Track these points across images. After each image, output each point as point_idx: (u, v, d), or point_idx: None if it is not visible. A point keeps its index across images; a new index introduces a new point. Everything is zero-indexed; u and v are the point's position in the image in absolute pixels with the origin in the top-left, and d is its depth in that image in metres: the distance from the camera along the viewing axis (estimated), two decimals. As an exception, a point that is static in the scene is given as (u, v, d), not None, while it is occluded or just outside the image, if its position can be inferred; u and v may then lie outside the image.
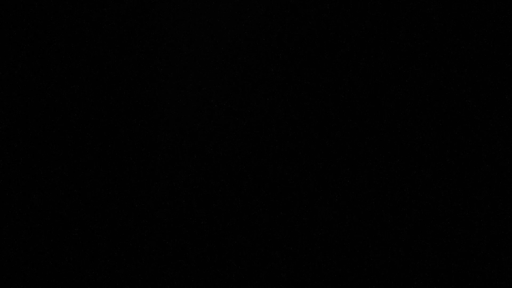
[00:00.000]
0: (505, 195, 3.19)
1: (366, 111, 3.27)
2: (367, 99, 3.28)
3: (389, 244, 3.21)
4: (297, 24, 3.31)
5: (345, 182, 3.25)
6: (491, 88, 3.24)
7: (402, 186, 3.24)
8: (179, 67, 3.31)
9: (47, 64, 3.30)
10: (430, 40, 3.27)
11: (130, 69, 3.31)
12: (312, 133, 3.28)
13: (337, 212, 3.25)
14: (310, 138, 3.28)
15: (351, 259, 3.22)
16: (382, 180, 3.24)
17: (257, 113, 3.30)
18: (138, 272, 3.23)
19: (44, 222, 3.24)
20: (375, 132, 3.26)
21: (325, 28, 3.30)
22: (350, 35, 3.29)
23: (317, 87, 3.30)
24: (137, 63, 3.31)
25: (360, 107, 3.28)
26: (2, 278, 3.21)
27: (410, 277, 3.20)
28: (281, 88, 3.30)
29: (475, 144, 3.23)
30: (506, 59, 3.24)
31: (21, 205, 3.25)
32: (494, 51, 3.25)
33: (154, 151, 3.28)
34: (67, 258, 3.23)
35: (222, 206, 3.27)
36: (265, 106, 3.30)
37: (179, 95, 3.30)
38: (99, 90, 3.30)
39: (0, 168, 3.26)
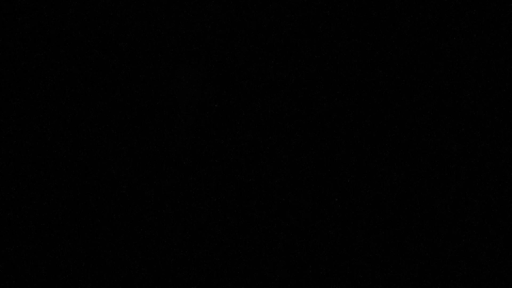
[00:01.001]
0: (505, 195, 3.20)
1: (366, 111, 3.28)
2: (366, 99, 3.28)
3: (389, 244, 3.22)
4: (297, 24, 3.32)
5: (344, 181, 3.26)
6: (491, 88, 3.25)
7: (401, 186, 3.25)
8: (180, 66, 3.32)
9: (45, 64, 3.31)
10: (430, 40, 3.28)
11: (132, 68, 3.32)
12: (311, 133, 3.29)
13: (336, 211, 3.25)
14: (310, 138, 3.29)
15: (351, 259, 3.22)
16: (381, 180, 3.25)
17: (257, 113, 3.30)
18: (138, 272, 3.24)
19: (43, 222, 3.25)
20: (374, 131, 3.27)
21: (324, 28, 3.31)
22: (349, 35, 3.30)
23: (316, 87, 3.30)
24: (140, 62, 3.32)
25: (359, 107, 3.28)
26: (2, 278, 3.21)
27: (410, 277, 3.21)
28: (281, 88, 3.31)
29: (474, 144, 3.24)
30: (506, 59, 3.25)
31: (21, 205, 3.25)
32: (494, 51, 3.26)
33: (153, 151, 3.29)
34: (67, 257, 3.24)
35: (221, 206, 3.28)
36: (265, 106, 3.30)
37: (179, 94, 3.31)
38: (100, 90, 3.31)
39: (0, 168, 3.27)
